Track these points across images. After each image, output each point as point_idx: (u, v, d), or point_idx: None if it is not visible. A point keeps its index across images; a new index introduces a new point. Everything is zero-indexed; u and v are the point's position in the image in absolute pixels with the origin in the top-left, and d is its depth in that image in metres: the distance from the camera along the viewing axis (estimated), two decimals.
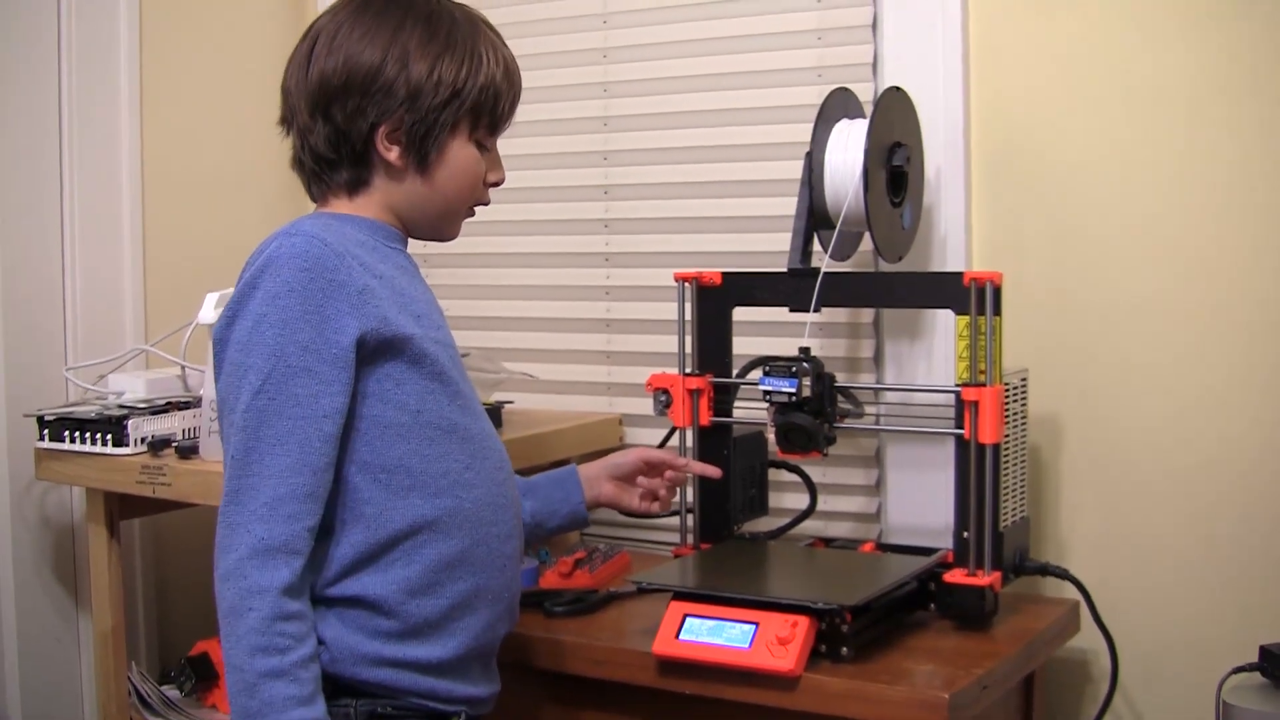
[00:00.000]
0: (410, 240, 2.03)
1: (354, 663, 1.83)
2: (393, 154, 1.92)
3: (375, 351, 1.83)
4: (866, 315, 2.73)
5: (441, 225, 2.03)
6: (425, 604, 1.86)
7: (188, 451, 2.48)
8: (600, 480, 2.35)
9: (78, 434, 2.54)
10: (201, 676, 2.65)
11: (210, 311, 2.50)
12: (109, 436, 2.51)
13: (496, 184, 2.04)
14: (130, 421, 2.51)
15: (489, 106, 1.96)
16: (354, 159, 1.93)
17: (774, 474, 2.67)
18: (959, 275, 2.29)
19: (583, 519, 2.33)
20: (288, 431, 1.76)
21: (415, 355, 1.87)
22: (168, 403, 2.62)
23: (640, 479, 2.37)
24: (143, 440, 2.52)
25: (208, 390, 2.48)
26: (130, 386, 2.68)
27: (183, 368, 2.71)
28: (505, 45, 2.01)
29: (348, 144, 1.92)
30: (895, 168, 2.43)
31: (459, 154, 1.96)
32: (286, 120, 1.97)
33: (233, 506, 1.77)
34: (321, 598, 1.84)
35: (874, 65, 2.70)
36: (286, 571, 1.74)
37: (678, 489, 2.42)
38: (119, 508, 2.64)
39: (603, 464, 2.37)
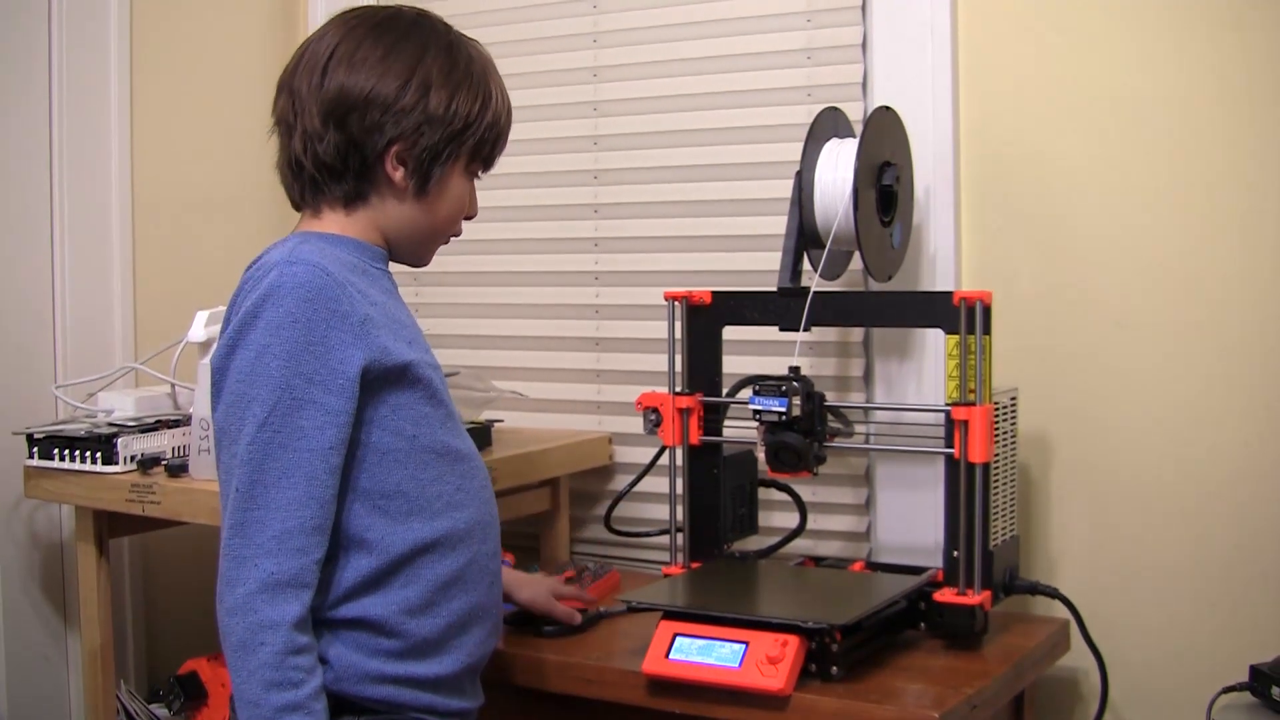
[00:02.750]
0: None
1: (357, 681, 1.84)
2: (398, 174, 1.93)
3: (377, 380, 1.83)
4: (856, 334, 2.73)
5: (422, 251, 2.05)
6: (425, 623, 1.87)
7: (177, 470, 2.47)
8: (523, 585, 2.41)
9: (67, 452, 2.54)
10: (190, 695, 2.64)
11: (200, 329, 2.50)
12: (98, 454, 2.51)
13: (470, 218, 2.08)
14: (120, 439, 2.51)
15: (490, 143, 2.00)
16: (359, 172, 1.93)
17: (764, 493, 2.67)
18: (949, 294, 2.29)
19: None
20: (294, 464, 1.76)
21: (413, 380, 1.88)
22: (157, 421, 2.62)
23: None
24: (132, 458, 2.52)
25: (197, 408, 2.47)
26: (120, 404, 2.68)
27: (172, 385, 2.71)
28: (506, 89, 2.04)
29: (358, 156, 1.91)
30: (885, 187, 2.43)
31: (455, 184, 1.98)
32: (287, 121, 1.95)
33: (239, 540, 1.76)
34: (324, 619, 1.84)
35: (864, 84, 2.70)
36: (297, 605, 1.75)
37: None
38: (108, 526, 2.63)
39: (532, 578, 2.47)
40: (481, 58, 2.00)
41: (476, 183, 2.06)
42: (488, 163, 2.03)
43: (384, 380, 1.84)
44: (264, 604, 1.72)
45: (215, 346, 1.85)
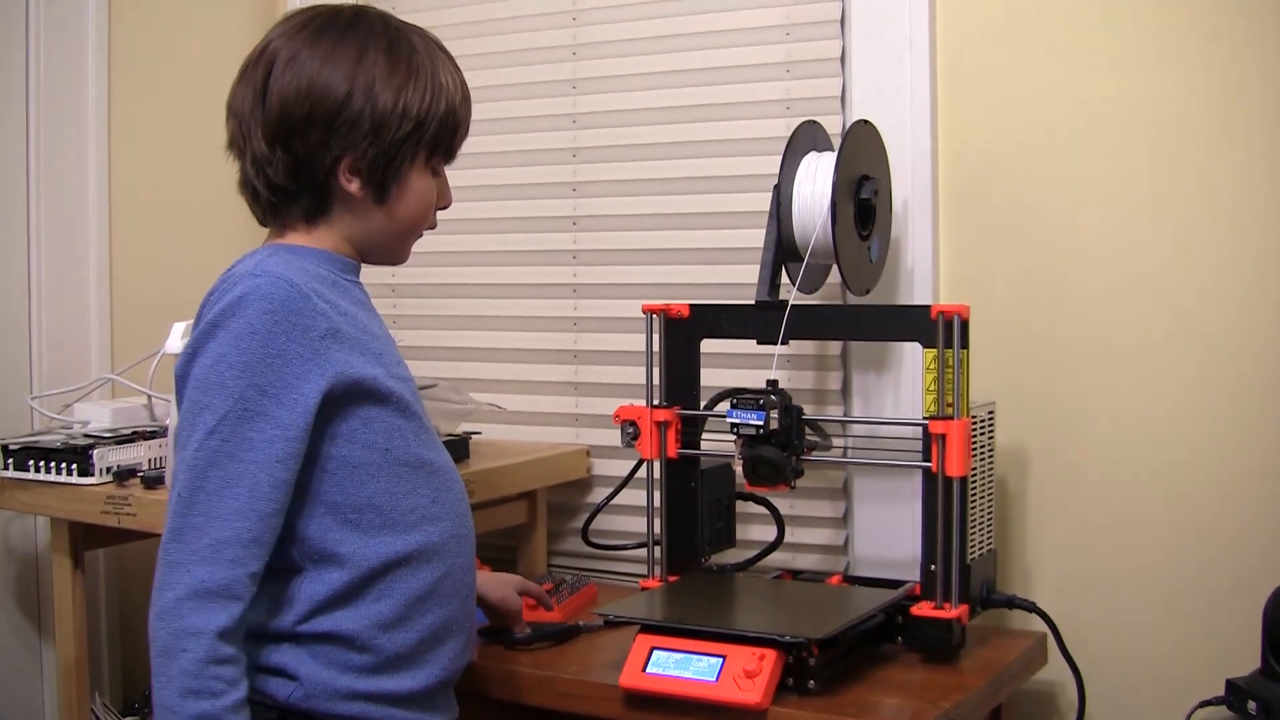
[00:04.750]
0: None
1: (329, 697, 1.82)
2: (353, 186, 1.90)
3: (342, 396, 1.81)
4: (834, 348, 2.73)
5: (396, 251, 2.02)
6: (397, 637, 1.86)
7: (153, 481, 2.47)
8: (492, 585, 2.40)
9: (42, 463, 2.53)
10: None
11: (177, 341, 2.49)
12: (74, 466, 2.50)
13: (445, 208, 2.04)
14: (95, 451, 2.50)
15: (448, 134, 1.96)
16: (313, 190, 1.90)
17: (741, 506, 2.67)
18: (926, 308, 2.30)
19: None
20: (238, 474, 1.74)
21: (381, 395, 1.86)
22: (134, 432, 2.61)
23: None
24: (108, 470, 2.51)
25: (173, 420, 2.47)
26: (96, 416, 2.67)
27: (149, 397, 2.70)
28: (459, 69, 2.00)
29: (308, 175, 1.89)
30: (863, 200, 2.44)
31: (416, 183, 1.95)
32: (237, 145, 1.93)
33: (174, 544, 1.74)
34: (293, 634, 1.83)
35: (842, 98, 2.71)
36: (224, 615, 1.72)
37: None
38: (84, 538, 2.62)
39: (499, 577, 2.45)
40: (427, 47, 1.95)
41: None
42: (449, 154, 2.00)
43: (350, 395, 1.82)
44: (190, 611, 1.70)
45: (185, 352, 1.83)
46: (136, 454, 2.55)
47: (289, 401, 1.76)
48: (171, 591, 1.71)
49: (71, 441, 2.55)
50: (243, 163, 1.93)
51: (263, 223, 1.99)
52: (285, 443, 1.76)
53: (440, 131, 1.94)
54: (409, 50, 1.92)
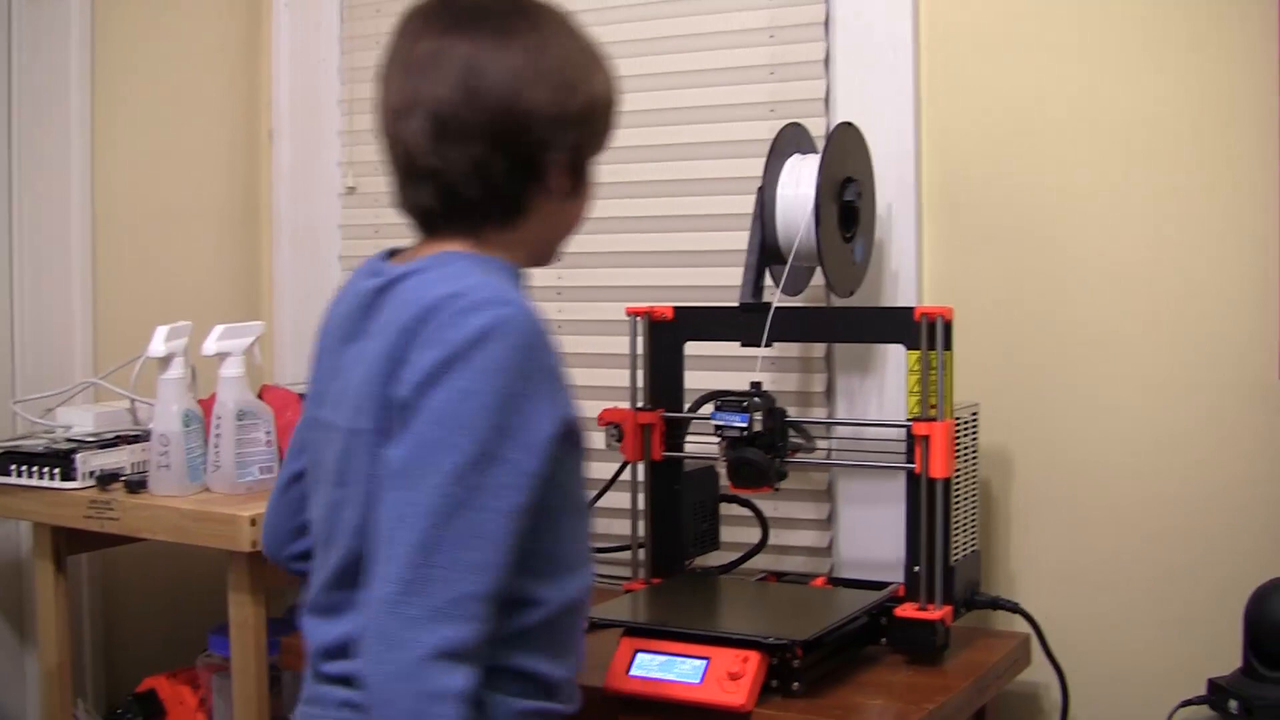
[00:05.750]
0: None
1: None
2: (561, 183, 1.77)
3: (561, 438, 1.66)
4: (819, 349, 2.73)
5: (556, 252, 1.90)
6: (563, 667, 1.75)
7: (136, 486, 2.47)
8: None
9: (25, 468, 2.52)
10: (148, 714, 2.63)
11: (160, 344, 2.49)
12: (57, 470, 2.49)
13: None
14: (78, 455, 2.50)
15: (617, 109, 1.85)
16: (524, 191, 1.75)
17: (726, 508, 2.67)
18: (910, 310, 2.30)
19: None
20: (481, 525, 1.59)
21: (579, 436, 1.73)
22: (117, 436, 2.61)
23: None
24: (91, 474, 2.50)
25: (157, 424, 2.47)
26: (79, 420, 2.67)
27: (132, 401, 2.69)
28: None
29: (524, 174, 1.74)
30: (847, 203, 2.44)
31: (594, 171, 1.84)
32: (428, 147, 1.71)
33: (409, 597, 1.56)
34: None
35: (826, 100, 2.71)
36: (471, 677, 1.58)
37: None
38: (66, 542, 2.61)
39: None
40: (579, 25, 1.80)
41: None
42: (609, 137, 1.85)
43: (565, 437, 1.67)
44: (440, 672, 1.55)
45: (410, 375, 1.61)
46: (119, 458, 2.55)
47: (531, 446, 1.62)
48: (413, 650, 1.55)
49: (54, 446, 2.54)
50: (443, 169, 1.71)
51: (433, 230, 1.78)
52: (527, 491, 1.62)
53: (613, 114, 1.84)
54: (580, 28, 1.80)
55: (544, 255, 1.87)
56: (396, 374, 1.63)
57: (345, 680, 1.70)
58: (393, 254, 1.82)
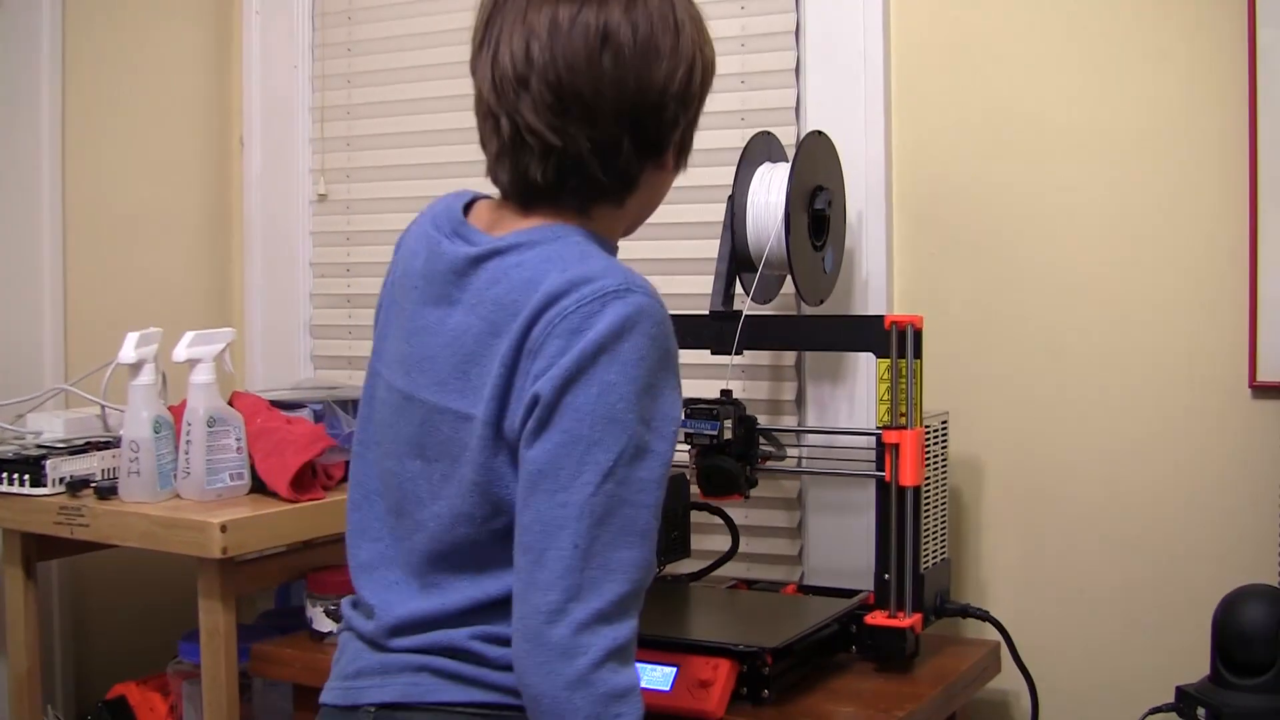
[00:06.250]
0: None
1: None
2: (673, 156, 1.72)
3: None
4: (789, 358, 2.74)
5: (646, 219, 1.83)
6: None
7: (107, 492, 2.46)
8: None
9: None
10: None
11: (130, 351, 2.48)
12: (26, 477, 2.49)
13: None
14: (48, 461, 2.49)
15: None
16: (642, 168, 1.69)
17: (696, 515, 2.67)
18: (879, 319, 2.30)
19: None
20: (633, 520, 1.54)
21: None
22: (87, 443, 2.60)
23: None
24: (61, 480, 2.50)
25: (127, 430, 2.46)
26: (49, 426, 2.66)
27: (103, 407, 2.69)
28: None
29: (651, 153, 1.68)
30: (817, 211, 2.45)
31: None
32: (555, 125, 1.62)
33: (574, 604, 1.52)
34: None
35: (797, 109, 2.72)
36: (636, 670, 1.58)
37: None
38: (36, 549, 2.60)
39: None
40: None
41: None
42: None
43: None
44: (613, 674, 1.53)
45: (546, 369, 1.55)
46: (90, 464, 2.54)
47: (668, 435, 1.58)
48: (585, 658, 1.52)
49: (24, 452, 2.54)
50: (564, 147, 1.63)
51: (528, 204, 1.69)
52: (665, 481, 1.58)
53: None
54: None
55: (634, 227, 1.81)
56: (526, 368, 1.57)
57: (421, 650, 1.66)
58: (470, 204, 1.76)
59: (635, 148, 1.65)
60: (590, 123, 1.62)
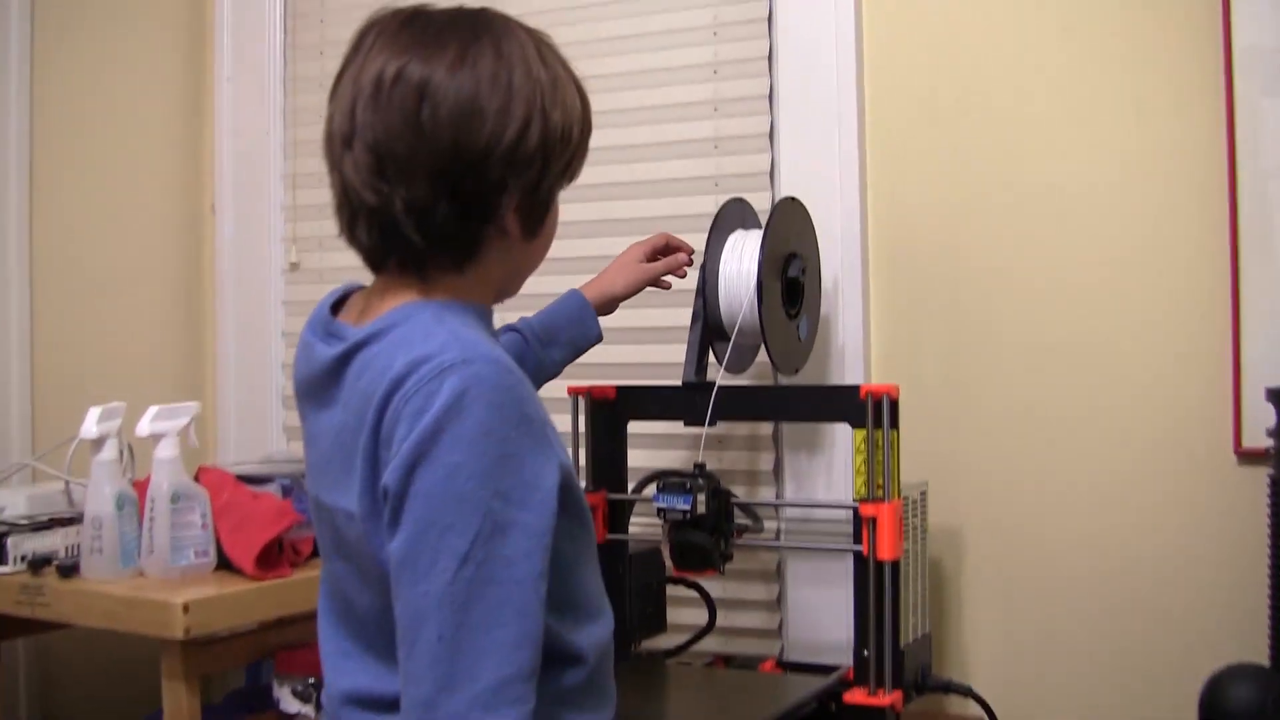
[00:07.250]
0: None
1: None
2: (514, 222, 1.64)
3: (563, 487, 1.56)
4: (766, 428, 2.70)
5: (519, 286, 1.78)
6: (607, 713, 1.68)
7: (69, 570, 2.41)
8: (616, 280, 2.40)
9: None
10: None
11: (92, 426, 2.44)
12: None
13: None
14: (10, 539, 2.45)
15: (584, 146, 1.71)
16: (476, 234, 1.63)
17: (673, 587, 2.62)
18: (855, 389, 2.26)
19: (597, 338, 2.37)
20: (503, 600, 1.48)
21: (574, 478, 1.63)
22: (50, 519, 2.56)
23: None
24: (22, 558, 2.45)
25: (90, 506, 2.42)
26: (11, 502, 2.61)
27: (66, 483, 2.64)
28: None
29: (477, 218, 1.61)
30: (791, 279, 2.41)
31: (555, 209, 1.73)
32: (373, 185, 1.58)
33: (446, 695, 1.46)
34: None
35: (771, 174, 2.69)
36: None
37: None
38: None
39: (619, 264, 2.43)
40: (548, 43, 1.67)
41: None
42: (579, 168, 1.73)
43: (565, 485, 1.57)
44: None
45: (393, 457, 1.50)
46: (53, 541, 2.50)
47: (535, 504, 1.51)
48: None
49: None
50: (381, 207, 1.59)
51: (378, 269, 1.67)
52: (542, 551, 1.50)
53: (581, 145, 1.70)
54: (550, 53, 1.66)
55: (506, 292, 1.75)
56: (384, 457, 1.52)
57: None
58: (341, 301, 1.73)
59: (456, 211, 1.59)
60: (405, 183, 1.57)
